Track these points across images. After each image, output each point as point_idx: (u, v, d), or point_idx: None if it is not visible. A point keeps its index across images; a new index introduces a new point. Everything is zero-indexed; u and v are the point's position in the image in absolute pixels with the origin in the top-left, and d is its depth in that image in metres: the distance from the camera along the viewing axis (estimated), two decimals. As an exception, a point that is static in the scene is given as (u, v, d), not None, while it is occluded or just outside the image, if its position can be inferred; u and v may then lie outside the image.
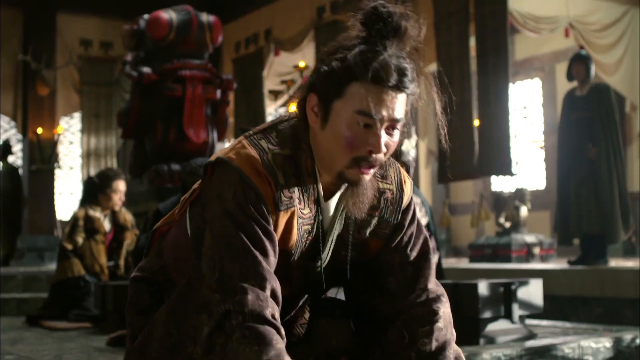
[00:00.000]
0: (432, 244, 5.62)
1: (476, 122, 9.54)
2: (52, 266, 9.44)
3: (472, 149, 9.42)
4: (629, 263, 8.37)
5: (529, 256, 9.98)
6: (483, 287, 4.40)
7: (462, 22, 9.60)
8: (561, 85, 11.81)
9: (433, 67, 10.39)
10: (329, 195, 2.05)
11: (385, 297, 2.13)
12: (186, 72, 7.67)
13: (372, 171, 1.95)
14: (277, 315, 1.87)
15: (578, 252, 8.46)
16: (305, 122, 2.00)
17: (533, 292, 4.72)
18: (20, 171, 13.07)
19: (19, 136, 14.21)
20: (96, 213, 6.30)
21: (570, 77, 8.29)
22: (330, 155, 1.94)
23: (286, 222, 1.96)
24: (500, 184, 13.83)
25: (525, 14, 10.33)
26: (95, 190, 6.38)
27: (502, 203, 10.81)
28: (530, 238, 10.21)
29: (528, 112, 14.09)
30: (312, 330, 2.18)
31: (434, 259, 5.54)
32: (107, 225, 6.36)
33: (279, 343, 1.81)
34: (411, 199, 2.19)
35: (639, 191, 11.06)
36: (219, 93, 7.93)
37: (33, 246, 12.10)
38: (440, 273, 5.75)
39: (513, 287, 4.52)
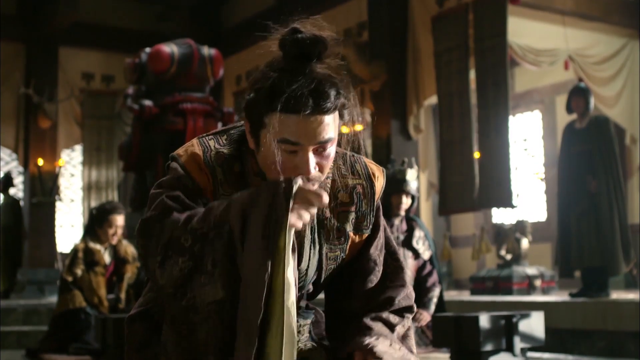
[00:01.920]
0: (434, 277, 5.63)
1: (477, 155, 9.56)
2: (53, 299, 9.41)
3: (472, 181, 9.43)
4: (631, 295, 8.34)
5: (530, 289, 9.95)
6: (484, 320, 4.40)
7: (462, 56, 9.65)
8: (561, 117, 11.84)
9: (433, 100, 10.45)
10: None
11: (356, 299, 2.17)
12: (187, 106, 7.70)
13: (313, 185, 1.95)
14: None
15: (579, 285, 8.44)
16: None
17: (534, 324, 4.71)
18: (21, 204, 13.08)
19: (20, 169, 14.22)
20: (96, 245, 6.30)
21: (569, 109, 8.31)
22: (269, 174, 1.98)
23: None
24: (501, 216, 13.82)
25: (525, 47, 10.39)
26: (93, 223, 6.39)
27: (503, 235, 10.79)
28: (531, 270, 10.18)
29: (528, 144, 14.10)
30: None
31: (436, 291, 5.53)
32: (107, 258, 6.35)
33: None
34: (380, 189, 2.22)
35: (639, 223, 11.05)
36: (220, 126, 7.96)
37: (33, 279, 12.07)
38: (442, 306, 5.75)
39: (514, 319, 4.51)
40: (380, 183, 2.19)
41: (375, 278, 2.17)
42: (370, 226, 2.17)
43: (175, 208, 1.96)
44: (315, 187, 1.95)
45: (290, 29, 1.96)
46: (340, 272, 2.18)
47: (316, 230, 2.11)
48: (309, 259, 2.11)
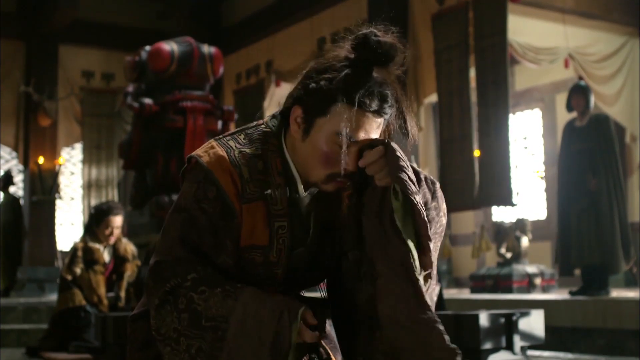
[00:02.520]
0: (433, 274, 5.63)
1: (477, 153, 9.56)
2: (53, 297, 9.42)
3: (472, 179, 9.43)
4: (631, 294, 8.35)
5: (530, 287, 9.95)
6: (484, 318, 4.40)
7: (462, 54, 9.65)
8: (561, 115, 11.84)
9: (433, 98, 10.44)
10: (306, 187, 2.14)
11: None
12: (187, 104, 7.69)
13: (344, 186, 2.08)
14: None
15: (579, 283, 8.44)
16: (279, 126, 2.14)
17: (534, 323, 4.72)
18: (21, 202, 13.08)
19: (20, 167, 14.21)
20: (95, 244, 6.30)
21: (569, 108, 8.31)
22: (307, 165, 2.06)
23: (255, 216, 2.03)
24: (501, 214, 13.81)
25: (525, 45, 10.38)
26: (92, 223, 6.39)
27: (503, 234, 10.79)
28: (531, 269, 10.18)
29: (528, 142, 14.10)
30: None
31: (436, 289, 5.54)
32: (107, 256, 6.35)
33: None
34: None
35: (639, 222, 11.06)
36: (220, 124, 7.95)
37: (33, 277, 12.06)
38: (442, 304, 5.75)
39: (514, 318, 4.52)
40: None
41: None
42: None
43: (187, 257, 2.00)
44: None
45: (368, 31, 2.07)
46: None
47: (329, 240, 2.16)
48: (314, 255, 2.15)
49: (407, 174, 2.01)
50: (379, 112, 2.03)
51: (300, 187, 2.11)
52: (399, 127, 2.14)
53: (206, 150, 2.07)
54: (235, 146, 2.08)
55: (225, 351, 1.90)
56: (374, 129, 2.04)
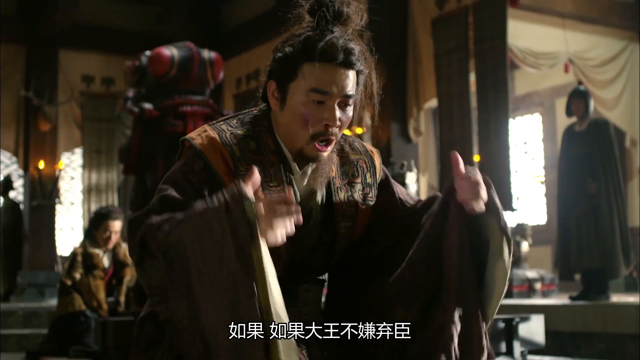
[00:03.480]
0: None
1: (477, 158, 9.56)
2: (53, 302, 9.41)
3: (472, 184, 9.42)
4: (631, 298, 8.34)
5: (530, 291, 9.93)
6: (484, 323, 4.39)
7: (462, 59, 9.66)
8: (561, 120, 11.83)
9: (433, 102, 10.45)
10: (300, 166, 2.17)
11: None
12: (187, 108, 7.68)
13: (329, 148, 2.11)
14: None
15: (579, 288, 8.43)
16: (268, 108, 2.18)
17: (535, 328, 4.72)
18: (21, 206, 13.07)
19: (20, 172, 14.21)
20: (95, 249, 6.30)
21: (569, 112, 8.31)
22: (290, 134, 2.10)
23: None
24: (501, 219, 13.79)
25: (525, 50, 10.39)
26: (91, 227, 6.39)
27: (503, 238, 10.78)
28: (531, 273, 10.17)
29: (528, 147, 14.11)
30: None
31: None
32: (107, 261, 6.35)
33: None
34: (385, 170, 2.36)
35: (639, 226, 11.05)
36: (220, 129, 7.95)
37: (33, 282, 12.04)
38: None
39: (514, 322, 4.52)
40: (378, 160, 2.32)
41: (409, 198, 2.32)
42: (375, 198, 2.27)
43: (159, 210, 2.00)
44: (332, 147, 2.10)
45: None
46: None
47: (325, 200, 2.20)
48: (319, 233, 2.18)
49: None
50: (345, 64, 2.07)
51: (294, 165, 2.15)
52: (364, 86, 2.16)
53: (199, 134, 2.13)
54: (227, 129, 2.13)
55: (194, 276, 1.86)
56: (347, 83, 2.07)
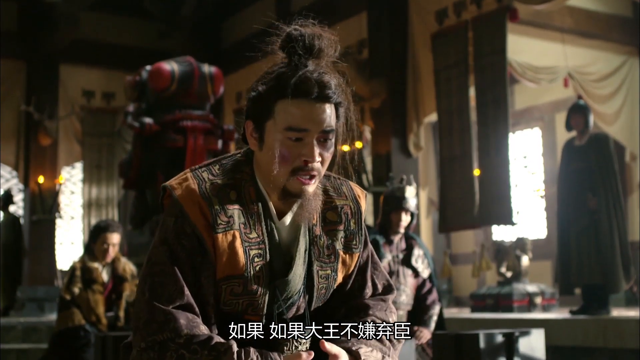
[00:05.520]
0: (434, 295, 5.62)
1: (476, 172, 9.57)
2: (53, 317, 9.40)
3: (472, 198, 9.44)
4: (631, 313, 8.33)
5: (530, 306, 9.93)
6: (485, 338, 4.39)
7: (462, 73, 9.68)
8: (561, 134, 11.85)
9: (433, 117, 10.47)
10: (281, 215, 2.13)
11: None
12: (187, 123, 7.71)
13: (313, 182, 2.06)
14: (207, 329, 2.00)
15: (580, 302, 8.43)
16: (252, 152, 2.14)
17: (535, 342, 4.70)
18: (22, 221, 13.07)
19: (21, 186, 14.22)
20: (94, 264, 6.28)
21: (569, 127, 8.32)
22: (271, 172, 2.04)
23: (229, 246, 2.04)
24: (501, 233, 13.80)
25: (525, 65, 10.42)
26: (90, 241, 6.38)
27: (503, 253, 10.78)
28: (532, 288, 10.17)
29: (528, 161, 14.11)
30: None
31: (436, 309, 5.52)
32: (106, 276, 6.34)
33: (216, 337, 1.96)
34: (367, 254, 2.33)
35: (639, 241, 11.05)
36: (220, 143, 7.97)
37: (33, 297, 12.04)
38: (442, 324, 5.74)
39: (514, 337, 4.51)
40: (364, 205, 2.27)
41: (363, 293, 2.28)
42: (360, 246, 2.24)
43: (182, 306, 2.00)
44: (316, 181, 2.07)
45: (291, 29, 2.08)
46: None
47: (307, 248, 2.16)
48: (301, 278, 2.15)
49: None
50: (321, 98, 2.01)
51: (274, 214, 2.12)
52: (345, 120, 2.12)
53: (180, 182, 2.09)
54: (208, 178, 2.09)
55: None
56: (323, 118, 2.02)
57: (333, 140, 2.06)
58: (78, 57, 14.08)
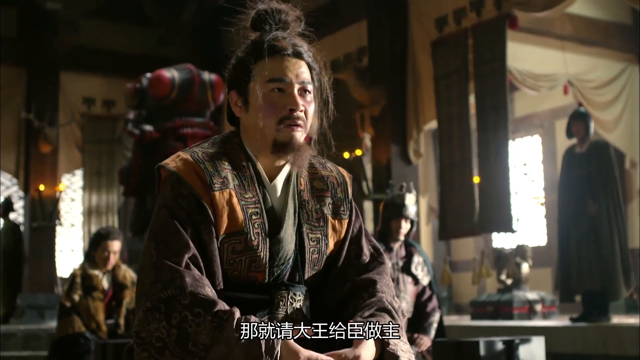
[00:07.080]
0: (434, 303, 5.62)
1: (476, 179, 9.57)
2: (53, 324, 9.39)
3: (472, 206, 9.44)
4: (632, 320, 8.33)
5: (531, 313, 9.92)
6: (485, 345, 4.39)
7: (462, 81, 9.68)
8: (561, 142, 11.86)
9: (433, 124, 10.47)
10: (271, 179, 2.24)
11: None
12: (188, 130, 7.72)
13: (300, 129, 2.18)
14: (213, 291, 2.05)
15: (580, 309, 8.42)
16: (238, 127, 2.28)
17: (535, 349, 4.70)
18: (22, 228, 13.07)
19: (21, 193, 14.22)
20: (94, 271, 6.28)
21: (569, 134, 8.33)
22: (259, 130, 2.18)
23: (227, 203, 2.14)
24: (501, 240, 13.80)
25: (524, 72, 10.42)
26: (91, 248, 6.38)
27: (503, 260, 10.77)
28: (532, 295, 10.16)
29: (528, 168, 14.12)
30: None
31: (436, 316, 5.52)
32: (106, 283, 6.34)
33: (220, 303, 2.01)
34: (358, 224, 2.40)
35: (639, 248, 11.04)
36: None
37: (33, 304, 12.04)
38: (442, 331, 5.73)
39: (515, 344, 4.51)
40: (349, 181, 2.38)
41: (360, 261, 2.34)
42: (348, 212, 2.33)
43: (187, 262, 2.06)
44: (302, 130, 2.18)
45: (258, 7, 2.27)
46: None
47: (296, 210, 2.26)
48: (292, 243, 2.23)
49: None
50: (295, 54, 2.19)
51: (265, 177, 2.22)
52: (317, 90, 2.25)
53: (173, 159, 2.20)
54: (199, 149, 2.21)
55: None
56: (301, 71, 2.19)
57: (313, 100, 2.21)
58: (78, 64, 14.08)
